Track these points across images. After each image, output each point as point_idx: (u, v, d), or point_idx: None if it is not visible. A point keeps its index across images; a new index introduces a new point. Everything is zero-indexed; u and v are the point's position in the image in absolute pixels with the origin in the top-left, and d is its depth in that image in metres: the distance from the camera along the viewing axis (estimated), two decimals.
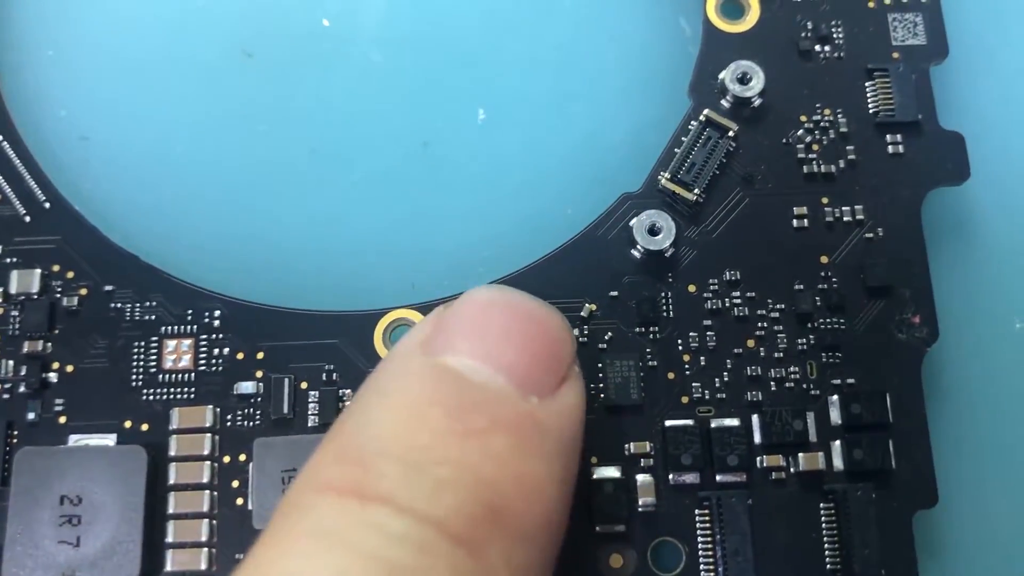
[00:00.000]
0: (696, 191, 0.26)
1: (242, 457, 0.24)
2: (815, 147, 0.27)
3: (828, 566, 0.24)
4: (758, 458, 0.24)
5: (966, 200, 0.28)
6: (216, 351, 0.25)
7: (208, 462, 0.24)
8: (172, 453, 0.24)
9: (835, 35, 0.27)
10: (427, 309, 0.25)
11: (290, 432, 0.24)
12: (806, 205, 0.26)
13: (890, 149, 0.27)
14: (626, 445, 0.25)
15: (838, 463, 0.24)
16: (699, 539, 0.24)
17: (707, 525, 0.24)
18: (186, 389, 0.25)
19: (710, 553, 0.24)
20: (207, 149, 0.28)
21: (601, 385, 0.25)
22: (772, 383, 0.25)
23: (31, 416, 0.24)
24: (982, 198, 0.28)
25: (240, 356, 0.25)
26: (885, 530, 0.24)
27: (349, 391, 0.25)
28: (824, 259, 0.26)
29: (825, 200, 0.26)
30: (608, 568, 0.24)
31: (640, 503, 0.24)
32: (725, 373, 0.25)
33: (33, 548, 0.23)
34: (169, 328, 0.25)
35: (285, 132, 0.28)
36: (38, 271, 0.25)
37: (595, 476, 0.24)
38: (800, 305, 0.25)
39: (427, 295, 0.26)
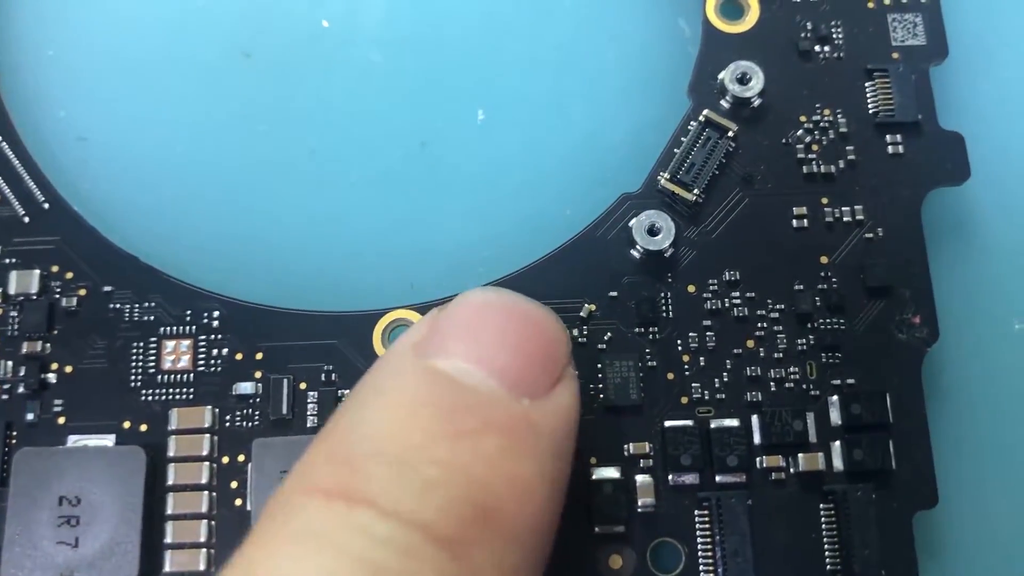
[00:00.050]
0: (696, 191, 0.26)
1: (241, 458, 0.24)
2: (815, 147, 0.27)
3: (828, 567, 0.24)
4: (758, 458, 0.24)
5: (966, 200, 0.28)
6: (215, 351, 0.25)
7: (207, 463, 0.24)
8: (171, 454, 0.24)
9: (835, 35, 0.27)
10: (426, 309, 0.25)
11: (289, 433, 0.24)
12: (806, 205, 0.26)
13: (890, 149, 0.27)
14: (625, 446, 0.24)
15: (838, 463, 0.24)
16: (699, 540, 0.24)
17: (707, 526, 0.24)
18: (185, 390, 0.25)
19: (709, 554, 0.24)
20: (206, 150, 0.28)
21: (600, 385, 0.25)
22: (772, 383, 0.25)
23: (30, 417, 0.24)
24: (982, 198, 0.28)
25: (239, 356, 0.25)
26: (885, 530, 0.24)
27: (348, 391, 0.25)
28: (824, 259, 0.26)
29: (825, 200, 0.26)
30: (607, 569, 0.24)
31: (639, 504, 0.24)
32: (725, 373, 0.25)
33: (32, 549, 0.23)
34: (168, 329, 0.25)
35: (284, 132, 0.28)
36: (37, 272, 0.25)
37: (594, 477, 0.24)
38: (800, 305, 0.25)
39: (426, 295, 0.26)
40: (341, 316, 0.25)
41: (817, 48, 0.27)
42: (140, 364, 0.25)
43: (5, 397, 0.25)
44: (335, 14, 0.29)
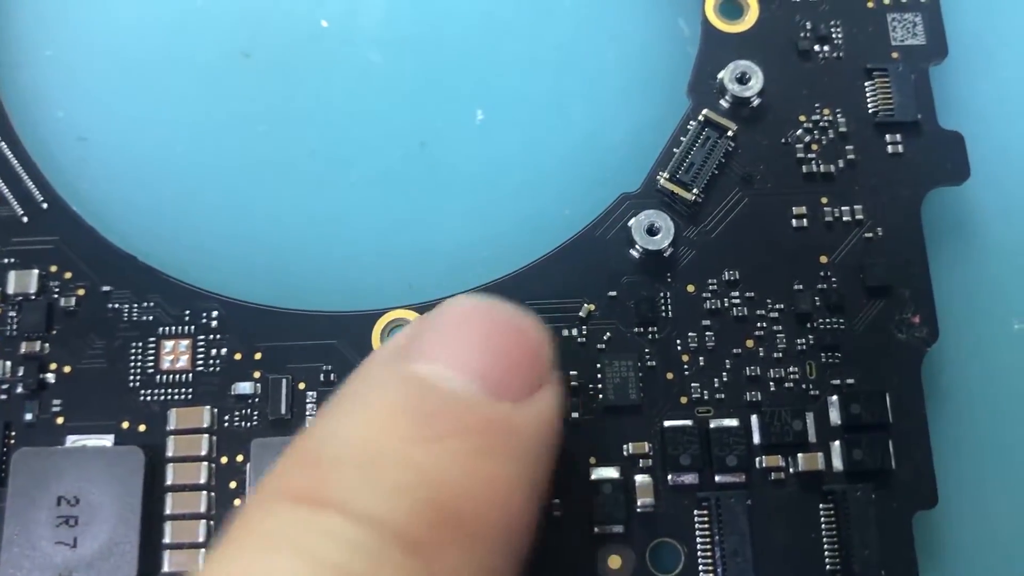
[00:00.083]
0: (695, 191, 0.26)
1: (239, 458, 0.24)
2: (814, 147, 0.27)
3: (828, 567, 0.24)
4: (757, 458, 0.24)
5: (965, 200, 0.28)
6: (214, 351, 0.25)
7: (205, 463, 0.24)
8: (169, 454, 0.24)
9: (834, 35, 0.27)
10: (425, 309, 0.25)
11: (288, 433, 0.24)
12: (805, 205, 0.26)
13: (889, 149, 0.27)
14: (625, 445, 0.24)
15: (837, 463, 0.24)
16: (698, 540, 0.24)
17: (706, 526, 0.24)
18: (184, 390, 0.25)
19: (709, 554, 0.24)
20: (205, 150, 0.28)
21: (600, 385, 0.25)
22: (771, 383, 0.25)
23: (28, 417, 0.24)
24: (982, 198, 0.28)
25: (238, 356, 0.25)
26: (885, 531, 0.24)
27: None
28: (823, 259, 0.26)
29: (824, 200, 0.26)
30: (606, 569, 0.24)
31: (639, 504, 0.24)
32: (724, 373, 0.25)
33: (30, 549, 0.23)
34: (167, 328, 0.25)
35: (284, 133, 0.28)
36: (36, 271, 0.25)
37: (593, 477, 0.24)
38: (799, 305, 0.25)
39: (425, 295, 0.26)
40: (340, 316, 0.25)
41: (816, 48, 0.27)
42: (139, 364, 0.25)
43: (3, 397, 0.25)
44: (334, 14, 0.29)
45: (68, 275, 0.25)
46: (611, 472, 0.24)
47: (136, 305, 0.25)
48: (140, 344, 0.25)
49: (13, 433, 0.24)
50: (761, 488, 0.24)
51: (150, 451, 0.24)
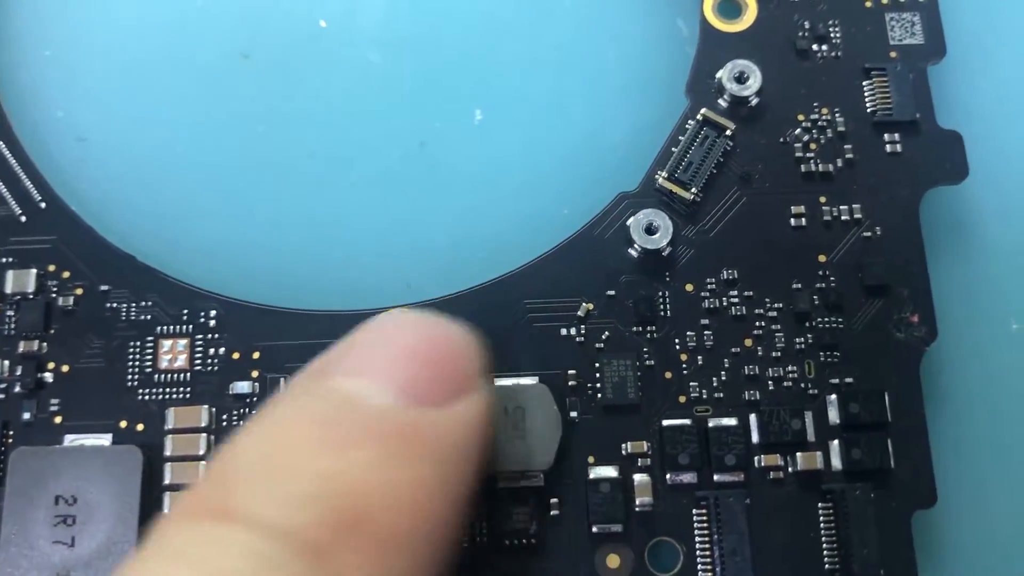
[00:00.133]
0: (693, 190, 0.26)
1: None
2: (813, 146, 0.27)
3: (827, 566, 0.24)
4: (756, 458, 0.24)
5: (964, 199, 0.28)
6: (212, 351, 0.25)
7: (203, 462, 0.24)
8: (167, 453, 0.24)
9: (832, 34, 0.27)
10: (424, 309, 0.25)
11: None
12: (804, 204, 0.26)
13: (888, 148, 0.27)
14: (623, 445, 0.24)
15: (836, 463, 0.24)
16: (697, 539, 0.24)
17: (704, 525, 0.24)
18: (182, 389, 0.25)
19: (707, 553, 0.24)
20: (204, 150, 0.28)
21: (598, 385, 0.25)
22: (770, 382, 0.25)
23: (27, 416, 0.24)
24: (980, 197, 0.28)
25: (236, 356, 0.25)
26: (884, 530, 0.24)
27: None
28: (822, 258, 0.26)
29: (823, 199, 0.26)
30: (605, 568, 0.24)
31: (637, 503, 0.24)
32: (723, 372, 0.25)
33: (28, 548, 0.23)
34: (165, 328, 0.25)
35: (283, 133, 0.28)
36: (34, 271, 0.25)
37: (592, 476, 0.24)
38: (798, 304, 0.25)
39: (424, 295, 0.26)
40: (338, 315, 0.25)
41: (815, 47, 0.27)
42: (137, 363, 0.25)
43: (1, 396, 0.25)
44: (333, 14, 0.29)
45: (66, 274, 0.25)
46: (610, 471, 0.24)
47: (134, 304, 0.25)
48: (138, 343, 0.25)
49: (11, 432, 0.24)
50: (760, 487, 0.24)
51: (148, 450, 0.24)
